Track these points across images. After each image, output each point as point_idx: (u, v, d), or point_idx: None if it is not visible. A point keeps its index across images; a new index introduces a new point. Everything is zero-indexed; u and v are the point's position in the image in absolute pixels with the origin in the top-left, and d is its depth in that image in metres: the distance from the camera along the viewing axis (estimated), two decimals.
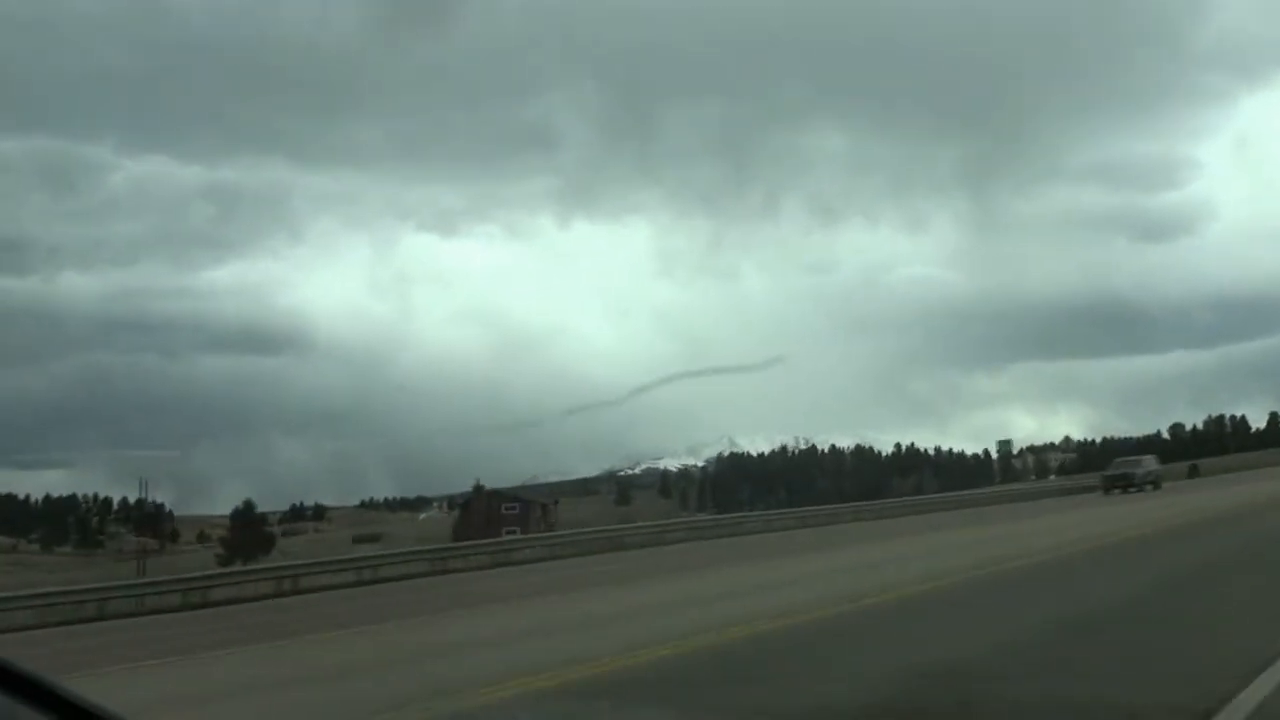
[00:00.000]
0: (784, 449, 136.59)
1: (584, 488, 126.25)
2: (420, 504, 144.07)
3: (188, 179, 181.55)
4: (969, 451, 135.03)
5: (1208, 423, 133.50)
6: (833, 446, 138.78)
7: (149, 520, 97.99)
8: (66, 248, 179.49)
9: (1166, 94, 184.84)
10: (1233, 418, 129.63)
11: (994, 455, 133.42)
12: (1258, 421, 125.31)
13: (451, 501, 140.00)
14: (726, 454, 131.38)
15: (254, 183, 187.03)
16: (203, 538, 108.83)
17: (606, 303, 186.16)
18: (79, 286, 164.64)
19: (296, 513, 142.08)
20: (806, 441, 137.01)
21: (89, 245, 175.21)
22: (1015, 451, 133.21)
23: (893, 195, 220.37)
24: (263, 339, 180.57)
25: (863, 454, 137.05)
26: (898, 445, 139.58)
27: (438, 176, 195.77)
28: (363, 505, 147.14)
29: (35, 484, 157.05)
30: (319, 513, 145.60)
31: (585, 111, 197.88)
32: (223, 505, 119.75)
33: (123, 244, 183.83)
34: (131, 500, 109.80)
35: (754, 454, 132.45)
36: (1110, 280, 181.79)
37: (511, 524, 63.21)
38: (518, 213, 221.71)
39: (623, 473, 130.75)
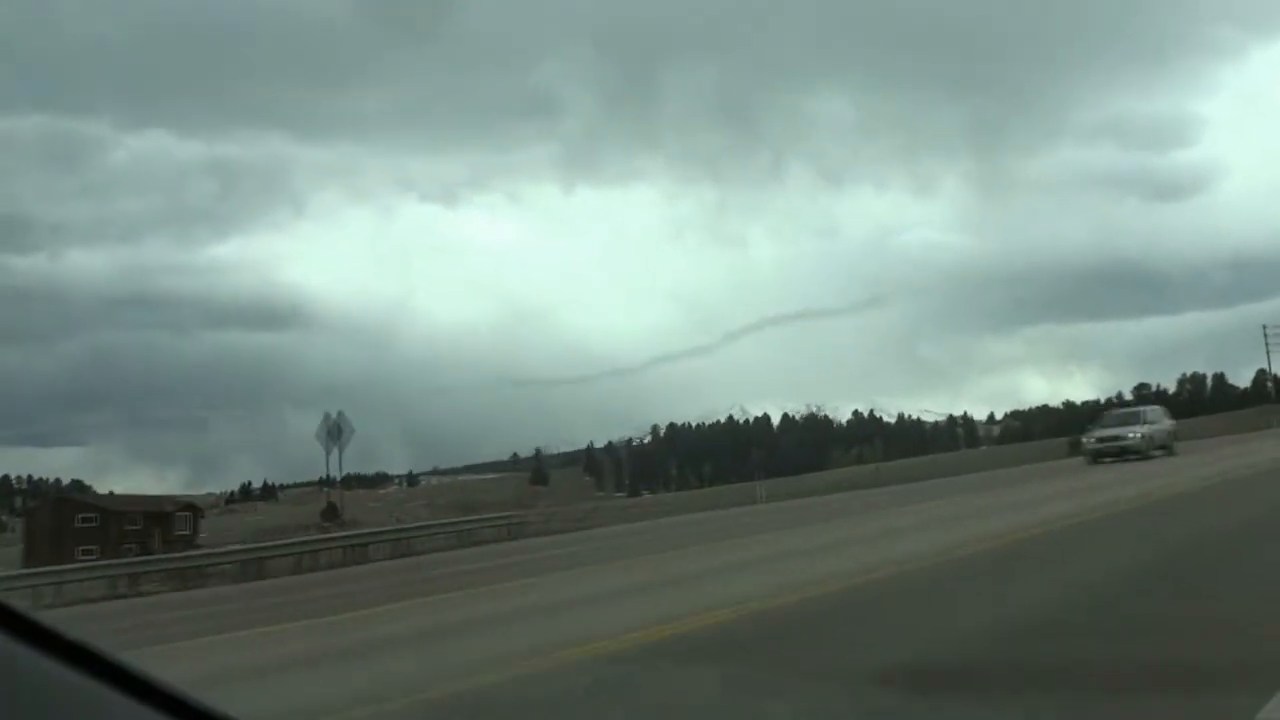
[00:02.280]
0: (786, 416, 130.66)
1: (568, 460, 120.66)
2: (380, 480, 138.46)
3: (188, 154, 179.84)
4: (976, 416, 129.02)
5: (1181, 382, 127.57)
6: (785, 415, 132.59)
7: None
8: (70, 225, 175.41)
9: (1176, 48, 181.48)
10: (1217, 375, 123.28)
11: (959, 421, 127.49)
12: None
13: (410, 479, 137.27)
14: (665, 427, 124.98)
15: (254, 157, 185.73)
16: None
17: (612, 271, 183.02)
18: (84, 264, 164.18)
19: (246, 492, 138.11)
20: (817, 409, 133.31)
21: (92, 222, 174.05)
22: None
23: (900, 157, 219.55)
24: (269, 314, 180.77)
25: (815, 423, 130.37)
26: (856, 413, 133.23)
27: (439, 146, 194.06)
28: (321, 483, 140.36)
29: (52, 462, 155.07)
30: (269, 491, 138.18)
31: (586, 77, 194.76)
32: (235, 481, 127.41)
33: (126, 221, 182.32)
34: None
35: (701, 424, 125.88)
36: (1122, 240, 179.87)
37: (89, 541, 54.23)
38: (521, 181, 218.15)
39: (556, 451, 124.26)
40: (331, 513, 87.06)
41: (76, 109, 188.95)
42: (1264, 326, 79.68)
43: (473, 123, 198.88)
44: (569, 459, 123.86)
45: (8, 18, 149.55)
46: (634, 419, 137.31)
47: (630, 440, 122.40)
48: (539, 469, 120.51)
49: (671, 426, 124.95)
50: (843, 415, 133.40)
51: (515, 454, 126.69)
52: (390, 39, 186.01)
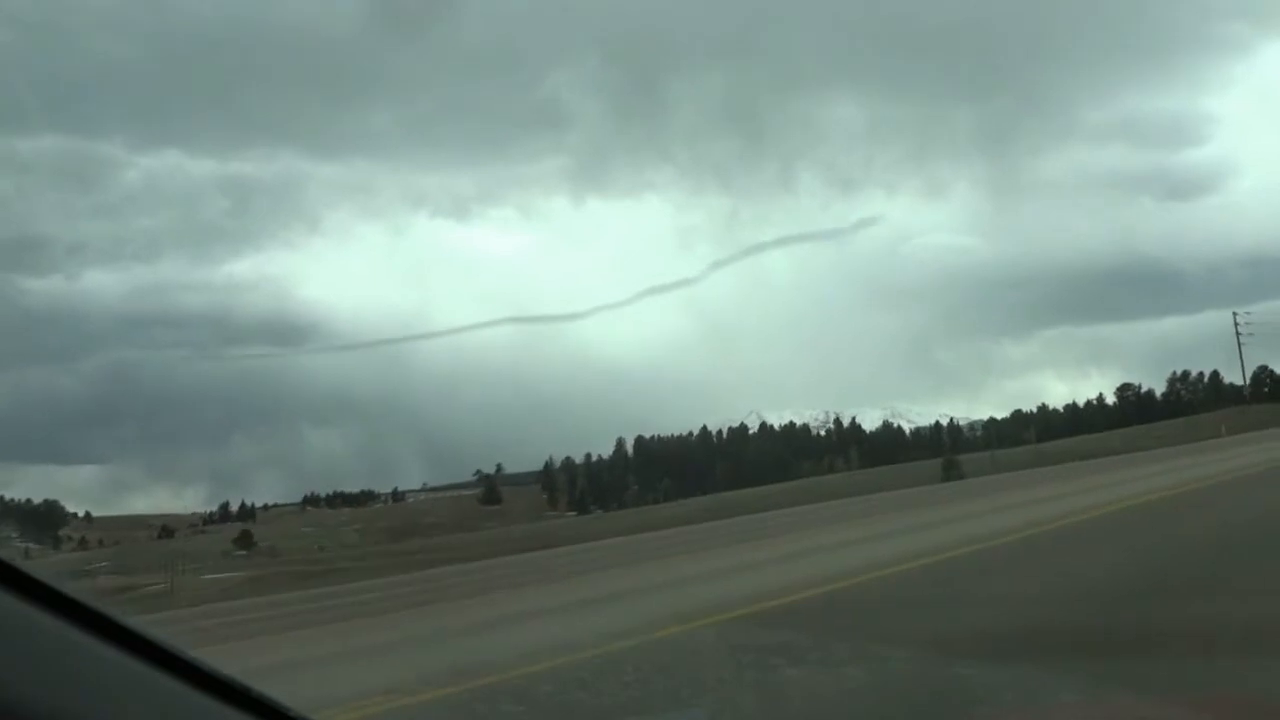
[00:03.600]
0: (764, 425, 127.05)
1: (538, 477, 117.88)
2: (365, 499, 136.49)
3: (201, 173, 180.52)
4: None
5: (1172, 381, 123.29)
6: (763, 424, 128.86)
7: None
8: (86, 246, 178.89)
9: (1186, 45, 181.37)
10: (1213, 374, 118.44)
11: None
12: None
13: (396, 496, 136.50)
14: (633, 440, 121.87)
15: (267, 175, 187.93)
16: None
17: (624, 282, 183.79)
18: (101, 284, 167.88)
19: (225, 512, 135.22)
20: (835, 416, 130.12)
21: (108, 242, 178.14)
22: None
23: (910, 162, 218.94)
24: (285, 330, 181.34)
25: (793, 432, 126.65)
26: (837, 420, 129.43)
27: (449, 161, 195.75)
28: (306, 502, 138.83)
29: (73, 479, 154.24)
30: (248, 512, 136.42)
31: (593, 89, 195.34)
32: (260, 497, 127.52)
33: (142, 240, 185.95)
34: None
35: (671, 436, 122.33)
36: (1137, 241, 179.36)
37: None
38: (532, 194, 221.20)
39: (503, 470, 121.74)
40: (246, 540, 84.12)
41: (89, 130, 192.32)
42: (1234, 313, 75.80)
43: (482, 137, 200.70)
44: (538, 476, 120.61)
45: (20, 39, 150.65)
46: (647, 428, 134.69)
47: (589, 456, 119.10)
48: (490, 488, 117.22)
49: (639, 440, 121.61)
50: (869, 422, 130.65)
51: (479, 470, 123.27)
52: (398, 53, 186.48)
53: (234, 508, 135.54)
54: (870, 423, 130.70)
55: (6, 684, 0.83)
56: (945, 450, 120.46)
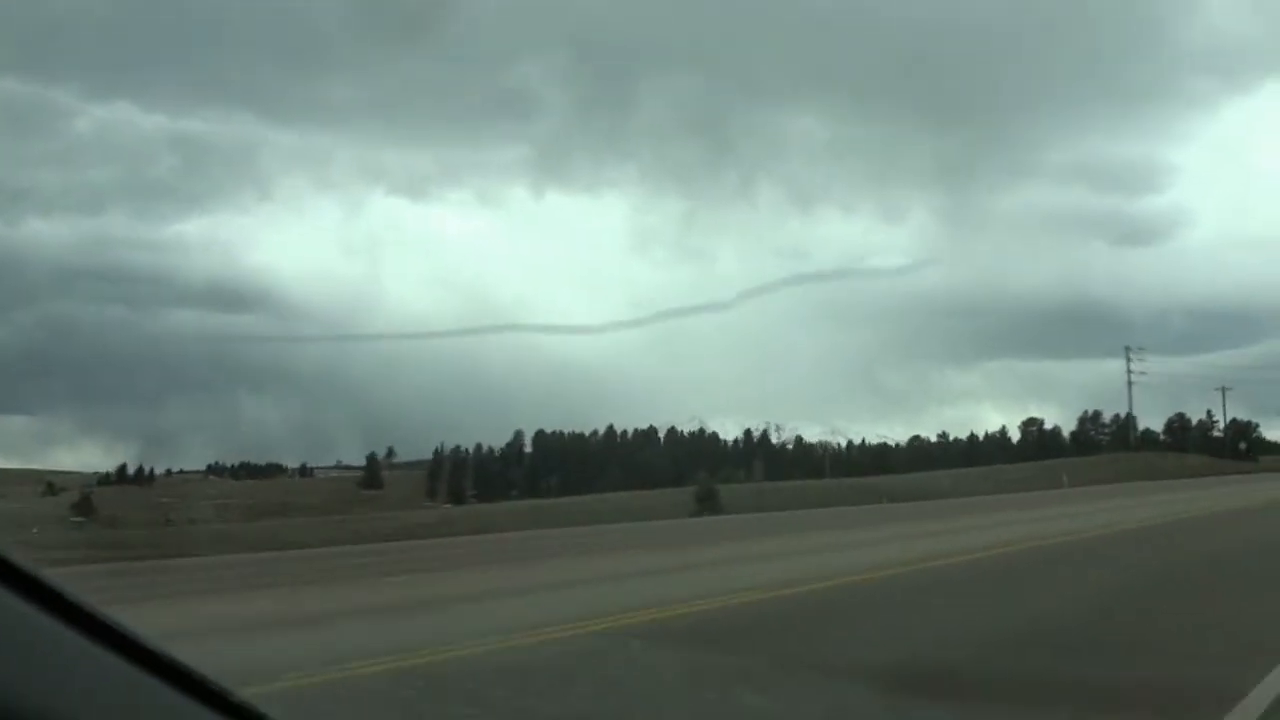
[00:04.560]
0: (672, 430, 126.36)
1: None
2: (271, 471, 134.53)
3: (152, 128, 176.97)
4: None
5: (1082, 420, 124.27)
6: (671, 429, 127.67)
7: None
8: (31, 193, 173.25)
9: (1150, 96, 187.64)
10: (1128, 417, 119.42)
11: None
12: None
13: (303, 469, 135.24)
14: (532, 433, 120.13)
15: (220, 136, 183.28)
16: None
17: (579, 276, 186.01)
18: (43, 233, 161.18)
19: (122, 474, 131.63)
20: (778, 428, 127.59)
21: (54, 191, 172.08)
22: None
23: (869, 185, 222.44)
24: (231, 296, 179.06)
25: (701, 440, 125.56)
26: (748, 431, 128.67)
27: (409, 140, 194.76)
28: (209, 470, 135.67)
29: (1, 428, 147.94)
30: (147, 476, 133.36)
31: (561, 82, 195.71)
32: (191, 461, 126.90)
33: (87, 192, 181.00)
34: None
35: (573, 433, 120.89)
36: (1088, 282, 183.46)
37: None
38: (491, 180, 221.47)
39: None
40: (85, 506, 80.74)
41: (42, 74, 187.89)
42: (1126, 348, 75.18)
43: (445, 117, 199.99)
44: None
45: None
46: (577, 421, 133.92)
47: (480, 446, 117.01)
48: (372, 472, 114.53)
49: (540, 434, 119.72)
50: (809, 436, 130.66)
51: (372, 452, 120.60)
52: (365, 26, 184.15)
53: (157, 470, 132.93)
54: (811, 437, 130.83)
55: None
56: (846, 470, 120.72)
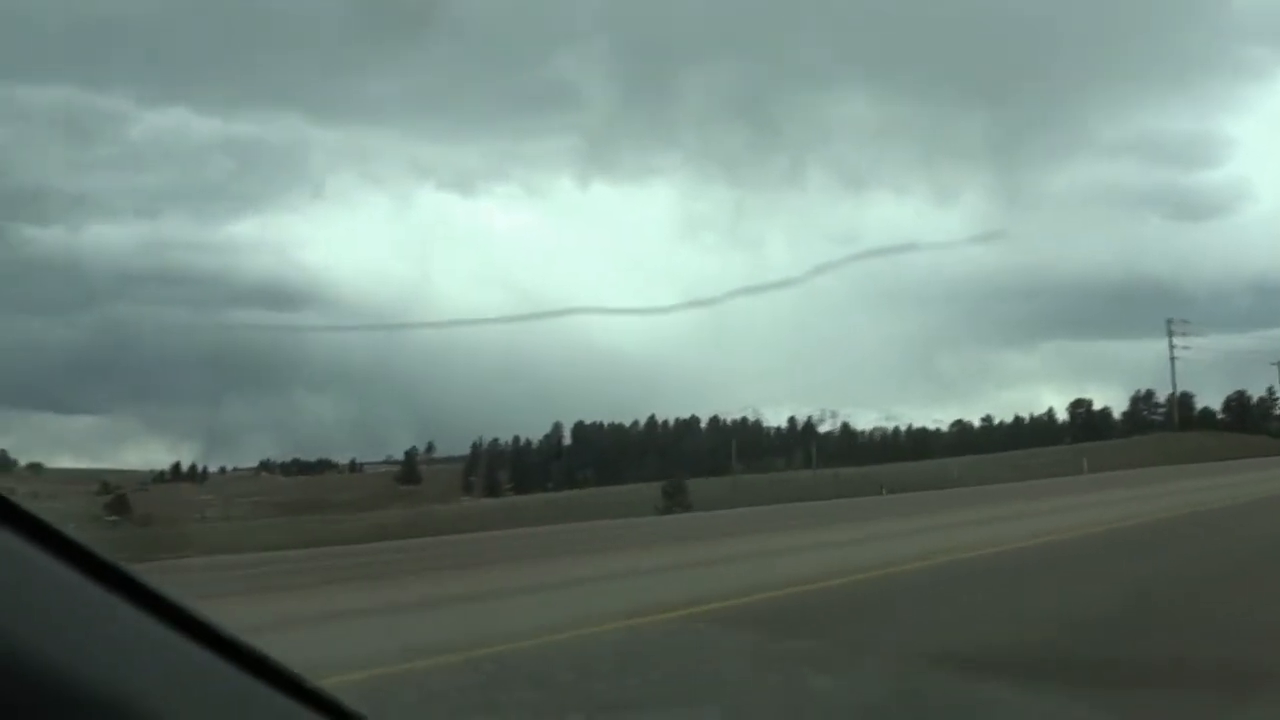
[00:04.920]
0: (714, 420, 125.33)
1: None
2: (322, 468, 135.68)
3: (206, 131, 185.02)
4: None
5: (1135, 400, 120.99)
6: (714, 419, 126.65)
7: None
8: (89, 199, 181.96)
9: (1204, 67, 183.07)
10: (1185, 395, 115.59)
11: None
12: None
13: (353, 465, 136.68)
14: (570, 426, 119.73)
15: (271, 137, 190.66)
16: None
17: (627, 266, 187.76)
18: (103, 237, 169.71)
19: (177, 472, 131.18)
20: (833, 416, 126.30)
21: (111, 196, 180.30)
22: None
23: (920, 165, 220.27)
24: (285, 295, 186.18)
25: (745, 428, 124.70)
26: (791, 420, 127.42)
27: (456, 135, 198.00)
28: (261, 467, 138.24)
29: (70, 428, 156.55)
30: (196, 473, 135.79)
31: (604, 71, 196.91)
32: (249, 458, 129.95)
33: (145, 196, 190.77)
34: None
35: (613, 425, 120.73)
36: (1144, 259, 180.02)
37: None
38: (538, 173, 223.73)
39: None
40: (119, 505, 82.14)
41: (98, 82, 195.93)
42: (1168, 321, 72.65)
43: (489, 112, 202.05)
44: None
45: None
46: (620, 412, 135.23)
47: (517, 439, 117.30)
48: (410, 467, 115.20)
49: (580, 425, 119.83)
50: (864, 422, 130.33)
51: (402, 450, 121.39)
52: (407, 23, 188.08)
53: (212, 468, 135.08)
54: (866, 424, 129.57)
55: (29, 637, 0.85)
56: (904, 455, 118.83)
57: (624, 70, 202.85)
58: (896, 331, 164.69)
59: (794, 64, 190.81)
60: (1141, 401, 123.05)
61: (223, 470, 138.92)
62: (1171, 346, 73.37)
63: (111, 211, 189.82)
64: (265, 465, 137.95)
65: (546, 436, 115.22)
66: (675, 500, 39.30)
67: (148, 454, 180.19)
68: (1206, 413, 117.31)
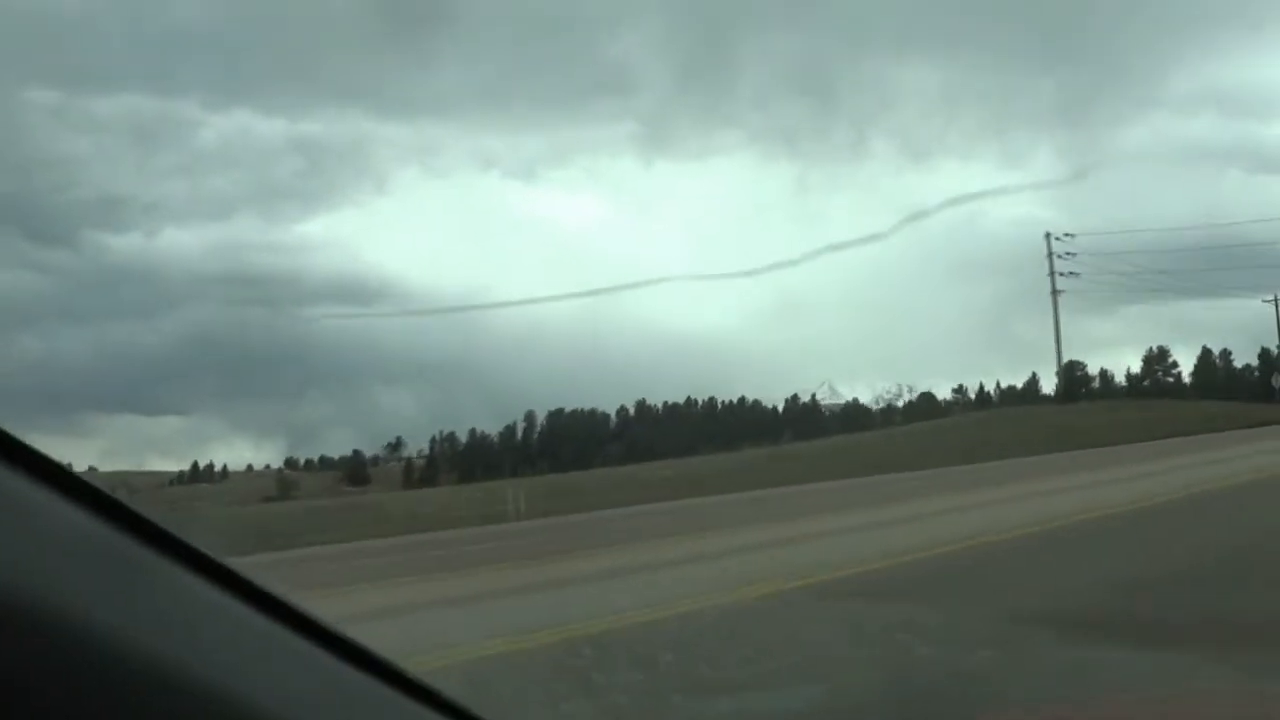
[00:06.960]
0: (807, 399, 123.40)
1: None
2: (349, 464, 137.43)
3: (272, 133, 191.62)
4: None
5: (1203, 358, 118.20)
6: (716, 399, 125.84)
7: None
8: (162, 205, 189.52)
9: (1275, 12, 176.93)
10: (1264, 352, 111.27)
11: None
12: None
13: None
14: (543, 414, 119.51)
15: (336, 135, 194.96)
16: None
17: (691, 248, 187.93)
18: (177, 242, 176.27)
19: (195, 473, 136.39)
20: (910, 389, 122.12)
21: (183, 201, 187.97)
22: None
23: (986, 130, 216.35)
24: (357, 291, 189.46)
25: (743, 408, 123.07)
26: (794, 397, 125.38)
27: (517, 123, 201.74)
28: (288, 464, 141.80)
29: (157, 429, 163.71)
30: (211, 473, 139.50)
31: (660, 50, 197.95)
32: (333, 451, 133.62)
33: (215, 199, 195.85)
34: None
35: (587, 411, 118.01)
36: (1225, 215, 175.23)
37: None
38: (600, 157, 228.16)
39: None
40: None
41: (165, 90, 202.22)
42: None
43: (549, 98, 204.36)
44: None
45: (96, 4, 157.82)
46: (707, 391, 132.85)
47: (473, 430, 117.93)
48: (357, 466, 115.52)
49: (559, 412, 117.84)
50: (941, 394, 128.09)
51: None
52: (464, 13, 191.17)
53: (234, 468, 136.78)
54: (942, 395, 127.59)
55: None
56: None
57: (681, 48, 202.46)
58: (970, 299, 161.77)
59: (852, 33, 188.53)
60: (1215, 362, 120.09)
61: (292, 464, 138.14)
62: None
63: (184, 216, 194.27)
64: (289, 462, 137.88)
65: (505, 429, 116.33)
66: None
67: (235, 453, 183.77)
68: None
